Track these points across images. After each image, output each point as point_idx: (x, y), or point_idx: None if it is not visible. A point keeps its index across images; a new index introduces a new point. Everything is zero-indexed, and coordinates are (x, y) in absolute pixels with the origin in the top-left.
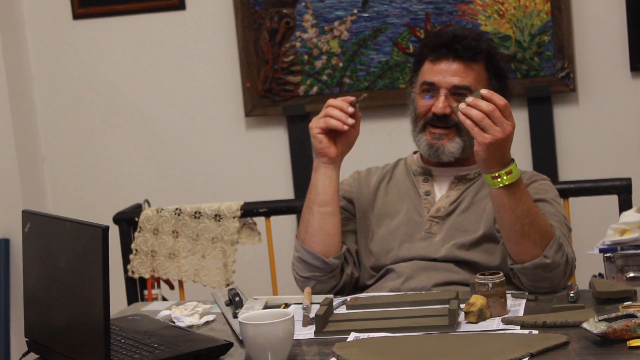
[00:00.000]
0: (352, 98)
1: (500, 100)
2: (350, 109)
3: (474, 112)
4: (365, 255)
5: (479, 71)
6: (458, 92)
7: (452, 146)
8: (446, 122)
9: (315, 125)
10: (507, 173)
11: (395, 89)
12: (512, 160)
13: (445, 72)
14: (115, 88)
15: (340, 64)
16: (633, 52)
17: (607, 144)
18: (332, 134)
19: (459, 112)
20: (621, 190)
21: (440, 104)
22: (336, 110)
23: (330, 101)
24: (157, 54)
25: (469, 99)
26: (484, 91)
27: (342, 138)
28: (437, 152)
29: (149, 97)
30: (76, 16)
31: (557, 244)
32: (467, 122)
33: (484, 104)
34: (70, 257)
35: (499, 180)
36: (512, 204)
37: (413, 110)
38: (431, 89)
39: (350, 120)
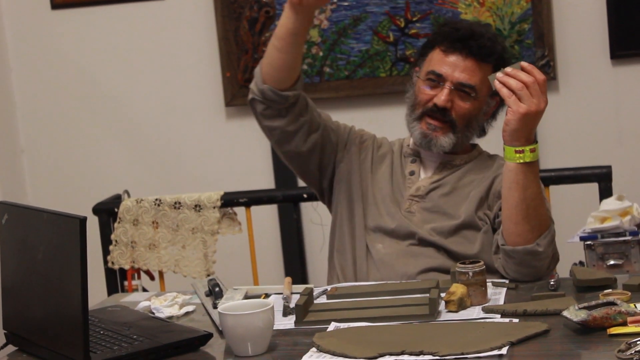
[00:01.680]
0: None
1: (540, 75)
2: None
3: (513, 82)
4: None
5: (488, 72)
6: (462, 89)
7: (445, 140)
8: (444, 116)
9: None
10: (531, 150)
11: (376, 78)
12: (536, 140)
13: (455, 67)
14: (94, 79)
15: (321, 53)
16: (613, 40)
17: (588, 131)
18: None
19: (495, 80)
20: (601, 178)
21: (443, 97)
22: None
23: None
24: (137, 44)
25: (508, 69)
26: (524, 63)
27: None
28: (429, 143)
29: (128, 87)
30: (54, 6)
31: (551, 235)
32: (504, 91)
33: (524, 75)
34: (48, 248)
35: (521, 155)
36: (525, 183)
37: (413, 94)
38: (437, 79)
39: None
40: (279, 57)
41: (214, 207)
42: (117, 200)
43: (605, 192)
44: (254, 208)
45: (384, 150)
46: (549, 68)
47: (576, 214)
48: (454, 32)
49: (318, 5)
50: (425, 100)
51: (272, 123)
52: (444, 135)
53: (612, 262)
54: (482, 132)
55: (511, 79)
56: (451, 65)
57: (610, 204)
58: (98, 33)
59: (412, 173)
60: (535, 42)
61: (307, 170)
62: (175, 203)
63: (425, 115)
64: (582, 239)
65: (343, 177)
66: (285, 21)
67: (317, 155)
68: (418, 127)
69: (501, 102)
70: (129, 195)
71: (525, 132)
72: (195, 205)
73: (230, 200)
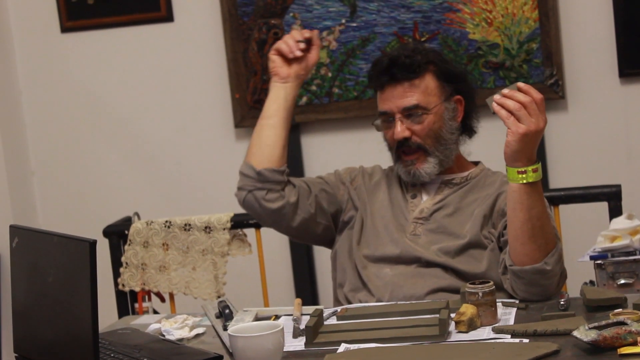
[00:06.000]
0: (308, 34)
1: (537, 94)
2: (301, 44)
3: (511, 103)
4: (362, 244)
5: (426, 83)
6: (410, 113)
7: (427, 167)
8: (410, 146)
9: (272, 48)
10: (534, 170)
11: None
12: (538, 160)
13: (392, 98)
14: (104, 101)
15: (329, 74)
16: (621, 59)
17: (597, 150)
18: (287, 58)
19: (492, 103)
20: (611, 197)
21: (398, 129)
22: (290, 39)
23: (292, 32)
24: (146, 66)
25: (505, 91)
26: (520, 84)
27: (298, 62)
28: (415, 176)
29: (138, 109)
30: (64, 29)
31: (559, 253)
32: (502, 113)
33: (521, 96)
34: (59, 271)
35: (524, 175)
36: (529, 203)
37: (385, 139)
38: (387, 117)
39: (298, 53)
40: (274, 133)
41: (224, 229)
42: (127, 222)
43: (615, 210)
44: (263, 229)
45: (376, 178)
46: (557, 87)
47: (586, 233)
48: (376, 69)
49: (306, 76)
50: (392, 141)
51: (278, 204)
52: (423, 164)
53: (622, 281)
54: (471, 132)
55: (508, 100)
56: (388, 99)
57: (620, 222)
58: (107, 55)
59: (414, 196)
60: (543, 61)
61: (319, 229)
62: (185, 225)
63: (400, 154)
64: (592, 258)
65: (345, 223)
66: (275, 98)
67: (324, 211)
68: (401, 167)
69: (466, 99)
70: (139, 218)
71: (526, 152)
72: (205, 227)
73: (240, 222)
